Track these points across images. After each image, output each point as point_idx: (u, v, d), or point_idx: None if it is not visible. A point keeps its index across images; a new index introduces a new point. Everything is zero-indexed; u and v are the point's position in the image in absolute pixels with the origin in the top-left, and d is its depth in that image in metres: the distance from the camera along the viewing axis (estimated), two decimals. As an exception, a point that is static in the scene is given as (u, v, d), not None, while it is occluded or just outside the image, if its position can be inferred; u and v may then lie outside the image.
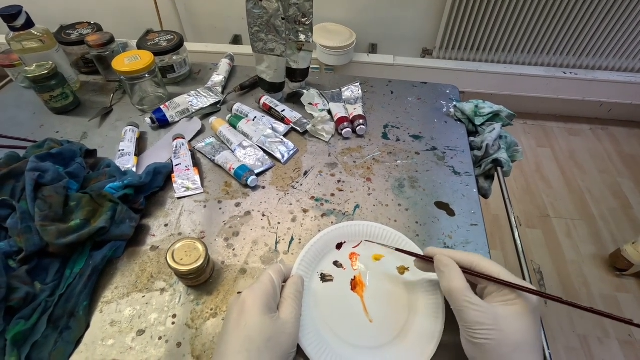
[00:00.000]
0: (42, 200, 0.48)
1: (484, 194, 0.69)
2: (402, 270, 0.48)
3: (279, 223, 0.54)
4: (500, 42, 1.69)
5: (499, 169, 0.64)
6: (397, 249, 0.43)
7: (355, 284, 0.46)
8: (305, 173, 0.61)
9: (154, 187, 0.58)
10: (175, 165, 0.60)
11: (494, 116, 0.70)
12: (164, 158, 0.64)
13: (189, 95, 0.73)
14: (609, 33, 1.58)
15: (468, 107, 0.69)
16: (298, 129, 0.68)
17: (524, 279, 0.53)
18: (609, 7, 1.49)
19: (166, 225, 0.54)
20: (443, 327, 0.41)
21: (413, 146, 0.66)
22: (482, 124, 0.69)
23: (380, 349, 0.41)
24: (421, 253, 0.45)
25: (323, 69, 1.79)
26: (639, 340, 1.23)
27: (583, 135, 1.91)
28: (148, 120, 0.69)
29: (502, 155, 0.64)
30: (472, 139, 0.68)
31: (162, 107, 0.70)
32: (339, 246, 0.50)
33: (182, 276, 0.45)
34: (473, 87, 1.80)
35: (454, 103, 0.73)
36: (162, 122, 0.70)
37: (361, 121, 0.66)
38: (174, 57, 0.78)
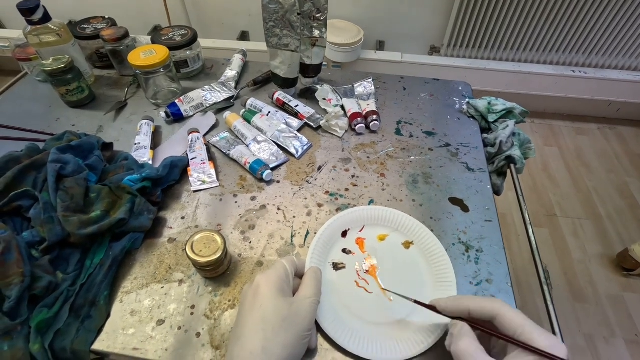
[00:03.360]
0: (64, 192, 0.48)
1: (497, 190, 0.69)
2: (408, 245, 0.51)
3: (294, 217, 0.55)
4: (509, 40, 1.68)
5: (512, 166, 0.65)
6: (415, 301, 0.40)
7: (371, 270, 0.48)
8: (319, 168, 0.62)
9: (170, 180, 0.58)
10: (191, 159, 0.61)
11: (507, 113, 0.70)
12: (179, 152, 0.64)
13: (203, 90, 0.74)
14: (619, 32, 1.57)
15: (481, 103, 0.70)
16: (311, 124, 0.68)
17: (539, 277, 0.53)
18: (619, 6, 1.48)
19: (183, 218, 0.55)
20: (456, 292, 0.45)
21: (426, 142, 0.66)
22: (495, 121, 0.69)
23: (399, 324, 0.43)
24: (419, 224, 0.49)
25: (330, 66, 1.79)
26: (646, 340, 1.23)
27: (591, 135, 1.90)
28: (163, 114, 0.70)
29: (516, 153, 0.64)
30: (485, 135, 0.68)
31: (176, 101, 0.71)
32: (344, 234, 0.51)
33: (200, 267, 0.46)
34: (481, 86, 1.79)
35: (467, 100, 0.73)
36: (176, 117, 0.70)
37: (374, 117, 0.67)
38: (188, 52, 0.78)
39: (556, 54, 1.70)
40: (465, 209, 0.55)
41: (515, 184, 0.63)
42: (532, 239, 0.55)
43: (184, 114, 0.71)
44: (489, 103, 0.71)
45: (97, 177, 0.55)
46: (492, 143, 0.66)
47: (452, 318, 0.37)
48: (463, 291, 0.46)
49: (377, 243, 0.51)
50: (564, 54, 1.70)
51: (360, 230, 0.52)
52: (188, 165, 0.61)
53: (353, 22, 1.75)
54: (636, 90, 1.69)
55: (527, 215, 0.58)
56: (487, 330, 0.34)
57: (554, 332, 0.47)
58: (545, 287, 0.50)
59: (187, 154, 0.62)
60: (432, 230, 0.51)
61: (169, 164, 0.58)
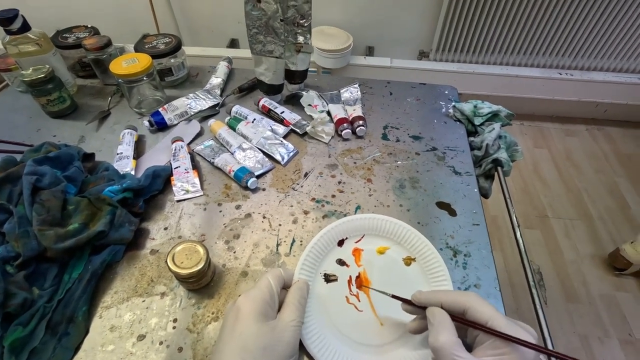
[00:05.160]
0: (40, 205, 0.47)
1: (484, 193, 0.69)
2: (409, 261, 0.47)
3: (280, 225, 0.54)
4: (496, 43, 1.70)
5: (499, 168, 0.64)
6: (392, 296, 0.39)
7: (360, 282, 0.46)
8: (306, 174, 0.61)
9: (153, 190, 0.57)
10: (175, 168, 0.60)
11: (493, 116, 0.70)
12: (163, 161, 0.63)
13: (188, 98, 0.73)
14: (603, 34, 1.60)
15: (467, 107, 0.70)
16: (297, 130, 0.68)
17: (527, 279, 0.52)
18: (603, 8, 1.51)
19: (166, 228, 0.54)
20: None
21: (413, 147, 0.66)
22: (482, 124, 0.69)
23: (388, 346, 0.41)
24: (425, 240, 0.46)
25: (320, 72, 1.79)
26: (639, 340, 1.23)
27: (579, 136, 1.92)
28: (146, 123, 0.69)
29: (502, 155, 0.64)
30: (471, 139, 0.68)
31: (160, 110, 0.70)
32: (341, 243, 0.49)
33: (182, 280, 0.44)
34: (470, 89, 1.80)
35: (453, 103, 0.73)
36: (160, 125, 0.69)
37: (361, 122, 0.66)
38: (172, 60, 0.77)
39: (543, 56, 1.73)
40: (452, 213, 0.55)
41: (503, 186, 0.63)
42: (520, 241, 0.55)
43: (168, 122, 0.70)
44: (475, 106, 0.71)
45: (77, 189, 0.54)
46: (479, 146, 0.66)
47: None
48: (451, 297, 0.45)
49: (375, 256, 0.48)
50: (550, 56, 1.72)
51: (359, 241, 0.49)
52: (171, 174, 0.59)
53: (342, 28, 1.76)
54: (622, 91, 1.71)
55: (514, 218, 0.57)
56: (463, 321, 0.34)
57: (542, 334, 0.46)
58: (534, 290, 0.50)
59: (170, 163, 0.61)
60: (419, 236, 0.51)
61: (151, 174, 0.57)
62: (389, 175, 0.60)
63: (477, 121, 0.69)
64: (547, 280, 1.38)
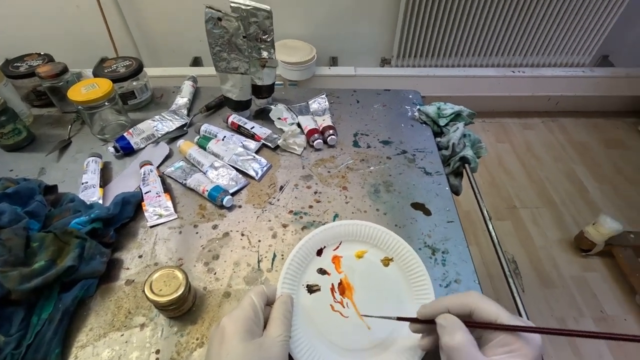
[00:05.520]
0: (1, 245, 0.44)
1: (455, 190, 0.71)
2: (387, 262, 0.49)
3: (259, 241, 0.53)
4: (453, 47, 1.79)
5: (466, 165, 0.67)
6: (398, 318, 0.39)
7: (343, 288, 0.46)
8: (281, 188, 0.61)
9: (124, 218, 0.55)
10: (145, 193, 0.58)
11: (456, 116, 0.73)
12: (132, 186, 0.61)
13: (154, 120, 0.71)
14: (547, 33, 1.72)
15: (431, 109, 0.72)
16: (269, 144, 0.68)
17: (503, 269, 0.54)
18: (545, 7, 1.63)
19: (140, 256, 0.52)
20: None
21: (384, 151, 0.67)
22: (446, 125, 0.72)
23: (379, 347, 0.42)
24: (399, 239, 0.47)
25: (287, 84, 1.81)
26: (611, 316, 1.30)
27: (536, 129, 2.04)
28: (111, 149, 0.66)
29: (468, 153, 0.67)
30: (438, 139, 0.71)
31: (125, 134, 0.68)
32: (320, 252, 0.49)
33: (162, 308, 0.43)
34: (432, 92, 1.88)
35: (418, 107, 0.76)
36: (126, 150, 0.67)
37: (331, 131, 0.67)
38: (134, 83, 0.76)
39: (496, 57, 1.83)
40: (427, 212, 0.57)
41: (471, 182, 0.65)
42: (493, 233, 0.57)
43: (135, 146, 0.68)
44: (439, 108, 0.74)
45: (40, 224, 0.51)
46: (446, 146, 0.68)
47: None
48: (435, 296, 0.46)
49: (354, 261, 0.49)
50: (502, 56, 1.82)
51: (337, 248, 0.50)
52: (142, 199, 0.58)
53: (305, 40, 1.79)
54: (570, 84, 1.84)
55: (485, 212, 0.60)
56: (473, 323, 0.34)
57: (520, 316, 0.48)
58: (511, 280, 0.52)
59: (140, 188, 0.59)
60: (397, 238, 0.52)
61: (121, 201, 0.55)
62: (363, 181, 0.62)
63: (442, 122, 0.72)
64: (522, 268, 1.44)
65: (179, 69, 1.72)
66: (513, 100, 1.96)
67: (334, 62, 1.92)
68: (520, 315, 0.48)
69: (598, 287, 1.38)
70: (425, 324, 0.37)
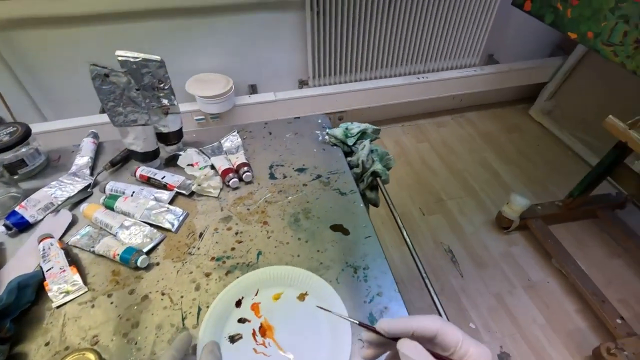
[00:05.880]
0: None
1: (374, 203, 0.76)
2: (302, 297, 0.50)
3: (181, 297, 0.51)
4: (362, 62, 1.92)
5: (378, 179, 0.72)
6: (360, 323, 0.38)
7: (264, 330, 0.47)
8: (201, 235, 0.60)
9: (23, 305, 0.49)
10: (47, 271, 0.53)
11: (363, 134, 0.79)
12: (32, 266, 0.55)
13: (50, 187, 0.66)
14: (440, 40, 1.92)
15: (339, 131, 0.77)
16: (183, 192, 0.66)
17: (419, 270, 0.59)
18: (434, 19, 1.83)
19: (47, 344, 0.47)
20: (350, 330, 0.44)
21: (300, 179, 0.69)
22: (354, 144, 0.77)
23: None
24: (309, 274, 0.47)
25: (209, 118, 1.78)
26: (537, 282, 1.46)
27: (448, 125, 2.24)
28: (1, 227, 0.60)
29: (378, 167, 0.72)
30: (349, 159, 0.75)
31: (17, 208, 0.61)
32: (238, 304, 0.50)
33: (75, 399, 0.39)
34: (352, 106, 1.98)
35: (327, 130, 0.80)
36: (20, 226, 0.61)
37: (245, 168, 0.68)
38: (23, 150, 0.69)
39: (402, 66, 2.00)
40: (346, 232, 0.59)
41: (384, 194, 0.70)
42: (408, 240, 0.62)
43: (30, 220, 0.61)
44: (346, 128, 0.79)
45: None
46: (357, 164, 0.73)
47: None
48: (360, 312, 0.49)
49: (272, 304, 0.50)
50: (407, 65, 2.00)
51: (255, 295, 0.50)
52: (44, 279, 0.52)
53: (220, 72, 1.79)
54: (467, 82, 2.07)
55: (399, 221, 0.64)
56: (438, 355, 0.35)
57: (438, 313, 0.52)
58: (427, 281, 0.56)
59: (40, 267, 0.54)
60: (320, 263, 0.53)
61: (16, 286, 0.49)
62: (282, 212, 0.63)
63: (350, 142, 0.76)
64: (458, 256, 1.55)
65: (86, 119, 1.61)
66: (424, 102, 2.14)
67: (253, 89, 1.95)
68: (438, 311, 0.52)
69: (522, 258, 1.55)
70: (384, 338, 0.37)
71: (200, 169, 0.69)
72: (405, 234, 0.62)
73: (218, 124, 1.85)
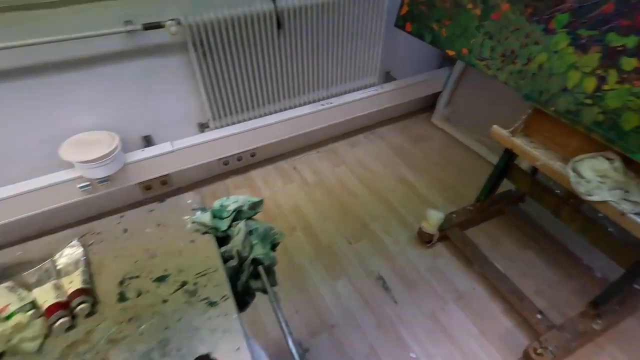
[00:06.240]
0: None
1: (263, 290, 0.66)
2: None
3: None
4: (262, 97, 1.83)
5: (260, 268, 0.62)
6: None
7: None
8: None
9: None
10: None
11: (239, 212, 0.68)
12: None
13: None
14: (338, 66, 1.93)
15: (206, 217, 0.66)
16: (-8, 352, 0.49)
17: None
18: (329, 47, 1.82)
19: None
20: None
21: (159, 293, 0.57)
22: (230, 226, 0.67)
23: None
24: None
25: (96, 184, 1.55)
26: (464, 291, 1.48)
27: (361, 144, 2.26)
28: None
29: (258, 252, 0.63)
30: (223, 249, 0.64)
31: None
32: None
33: None
34: (259, 142, 1.89)
35: (193, 218, 0.68)
36: None
37: (81, 298, 0.53)
38: None
39: (305, 95, 1.95)
40: (215, 362, 0.48)
41: (268, 290, 0.60)
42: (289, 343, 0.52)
43: None
44: (222, 205, 0.68)
45: None
46: (231, 255, 0.62)
47: None
48: None
49: None
50: (310, 94, 1.96)
51: None
52: None
53: (104, 129, 1.58)
54: (371, 102, 2.10)
55: (284, 326, 0.55)
56: None
57: None
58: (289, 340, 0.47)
59: None
60: None
61: None
62: (131, 353, 0.49)
63: (224, 226, 0.66)
64: (390, 282, 1.52)
65: None
66: (335, 126, 2.12)
67: (148, 141, 1.75)
68: None
69: (448, 269, 1.57)
70: None
71: (8, 316, 0.52)
72: (290, 341, 0.53)
73: (108, 187, 1.62)
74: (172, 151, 1.67)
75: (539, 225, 1.67)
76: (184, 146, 1.70)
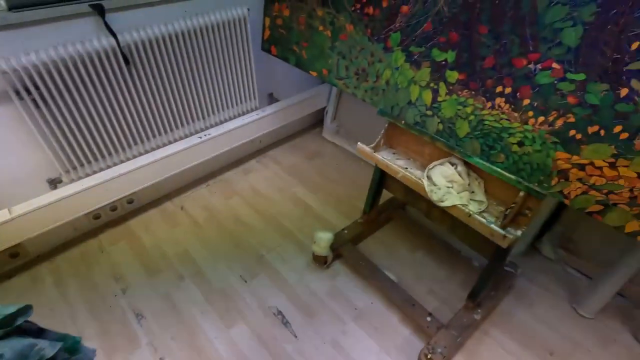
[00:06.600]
0: None
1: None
2: None
3: None
4: (127, 138, 1.65)
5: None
6: None
7: None
8: None
9: None
10: None
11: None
12: None
13: None
14: (209, 95, 1.82)
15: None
16: None
17: None
18: (193, 76, 1.71)
19: None
20: None
21: None
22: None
23: None
24: None
25: None
26: (363, 308, 1.47)
27: (255, 170, 2.18)
28: None
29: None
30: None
31: None
32: None
33: None
34: (130, 189, 1.69)
35: None
36: None
37: None
38: None
39: (180, 129, 1.81)
40: None
41: None
42: None
43: None
44: None
45: None
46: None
47: None
48: None
49: None
50: (185, 127, 1.82)
51: None
52: None
53: None
54: (256, 126, 2.03)
55: None
56: None
57: None
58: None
59: None
60: None
61: None
62: None
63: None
64: (289, 315, 1.45)
65: None
66: (222, 155, 2.00)
67: (-18, 210, 1.44)
68: None
69: (346, 288, 1.55)
70: None
71: None
72: None
73: None
74: (11, 220, 1.40)
75: (424, 226, 1.75)
76: (28, 210, 1.43)
